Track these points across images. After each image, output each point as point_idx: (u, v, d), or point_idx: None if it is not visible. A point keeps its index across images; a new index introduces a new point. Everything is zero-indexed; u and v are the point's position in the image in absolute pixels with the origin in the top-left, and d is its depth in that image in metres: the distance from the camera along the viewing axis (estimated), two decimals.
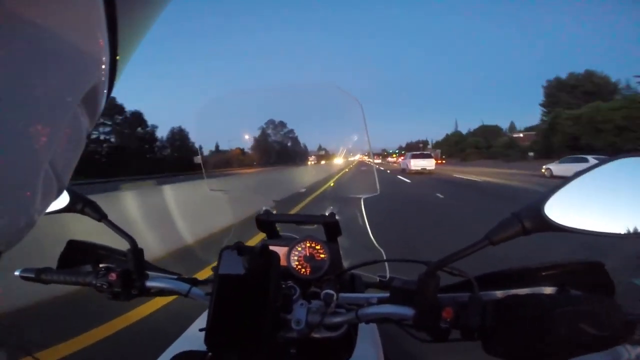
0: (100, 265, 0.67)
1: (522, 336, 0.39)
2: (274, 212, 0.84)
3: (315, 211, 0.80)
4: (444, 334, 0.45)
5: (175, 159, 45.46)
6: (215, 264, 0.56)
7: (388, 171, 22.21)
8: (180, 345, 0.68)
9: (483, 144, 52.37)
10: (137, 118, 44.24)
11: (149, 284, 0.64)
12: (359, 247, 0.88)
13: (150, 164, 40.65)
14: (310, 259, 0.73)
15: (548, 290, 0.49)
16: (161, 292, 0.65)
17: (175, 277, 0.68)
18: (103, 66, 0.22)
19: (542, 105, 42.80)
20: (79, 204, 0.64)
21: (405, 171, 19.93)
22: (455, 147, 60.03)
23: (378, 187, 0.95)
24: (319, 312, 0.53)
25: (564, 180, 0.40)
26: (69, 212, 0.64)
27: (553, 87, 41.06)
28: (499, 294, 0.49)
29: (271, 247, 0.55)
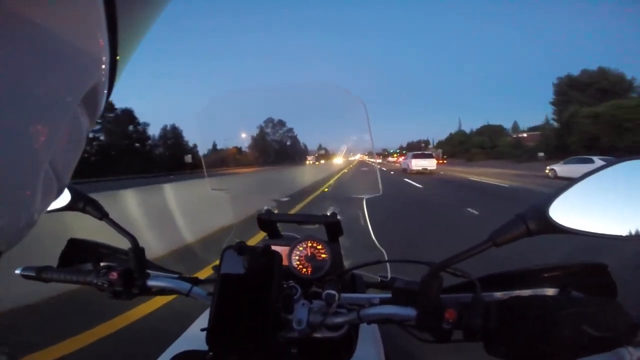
0: (101, 264, 0.67)
1: (524, 337, 0.39)
2: (276, 211, 0.84)
3: (316, 212, 0.80)
4: (446, 334, 0.45)
5: (168, 158, 44.84)
6: (216, 263, 0.56)
7: (392, 172, 20.20)
8: (181, 344, 0.68)
9: (488, 143, 51.37)
10: (128, 116, 43.56)
11: (150, 283, 0.64)
12: (360, 247, 0.88)
13: (140, 163, 40.24)
14: (311, 258, 0.73)
15: (550, 291, 0.49)
16: (162, 292, 0.66)
17: (177, 276, 0.68)
18: (103, 66, 0.22)
19: (552, 103, 40.41)
20: (80, 203, 0.64)
21: (406, 171, 19.86)
22: (459, 146, 58.91)
23: (380, 187, 0.95)
24: (320, 312, 0.53)
25: (570, 182, 0.40)
26: (70, 211, 0.64)
27: (564, 85, 38.18)
28: (502, 295, 0.49)
29: (272, 247, 0.55)
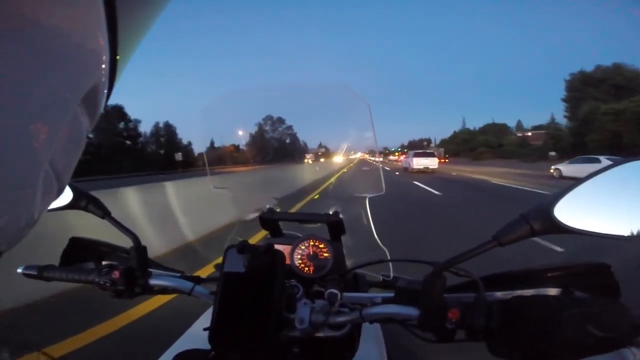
0: (103, 263, 0.67)
1: (527, 337, 0.39)
2: (278, 210, 0.85)
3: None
4: (449, 334, 0.45)
5: (161, 156, 44.00)
6: (218, 261, 0.56)
7: (396, 172, 17.62)
8: (183, 343, 0.68)
9: (494, 142, 50.45)
10: (119, 112, 42.47)
11: (152, 282, 0.64)
12: (362, 246, 0.88)
13: (131, 161, 39.63)
14: (313, 257, 0.73)
15: (553, 291, 0.49)
16: (164, 290, 0.65)
17: (179, 275, 0.68)
18: (103, 65, 0.22)
19: (563, 100, 38.81)
20: (82, 201, 0.64)
21: (407, 170, 19.79)
22: (464, 145, 57.76)
23: (383, 186, 0.94)
24: (322, 311, 0.53)
25: (575, 182, 0.39)
26: (72, 209, 0.64)
27: (577, 81, 36.81)
28: (505, 294, 0.49)
29: (275, 246, 0.55)
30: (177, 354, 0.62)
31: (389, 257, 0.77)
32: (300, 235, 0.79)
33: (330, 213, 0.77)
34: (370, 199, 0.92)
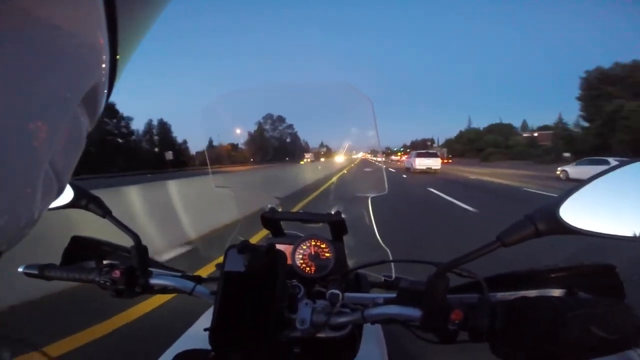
0: (104, 262, 0.67)
1: (531, 338, 0.39)
2: (279, 209, 0.84)
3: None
4: (452, 335, 0.45)
5: (155, 155, 42.98)
6: (219, 260, 0.56)
7: (404, 176, 15.72)
8: (183, 343, 0.68)
9: (502, 142, 49.35)
10: (110, 109, 40.72)
11: (152, 281, 0.64)
12: (363, 246, 0.88)
13: (124, 160, 38.81)
14: (315, 257, 0.73)
15: (557, 292, 0.49)
16: (165, 290, 0.65)
17: (179, 274, 0.68)
18: (103, 65, 0.22)
19: (579, 99, 36.99)
20: (83, 200, 0.64)
21: (409, 170, 19.72)
22: (470, 145, 56.54)
23: (386, 186, 0.94)
24: (324, 311, 0.53)
25: (580, 183, 0.39)
26: (73, 208, 0.64)
27: (594, 79, 35.07)
28: (508, 295, 0.49)
29: (276, 245, 0.55)
30: (177, 354, 0.62)
31: (391, 258, 0.77)
32: (302, 235, 0.79)
33: (332, 213, 0.76)
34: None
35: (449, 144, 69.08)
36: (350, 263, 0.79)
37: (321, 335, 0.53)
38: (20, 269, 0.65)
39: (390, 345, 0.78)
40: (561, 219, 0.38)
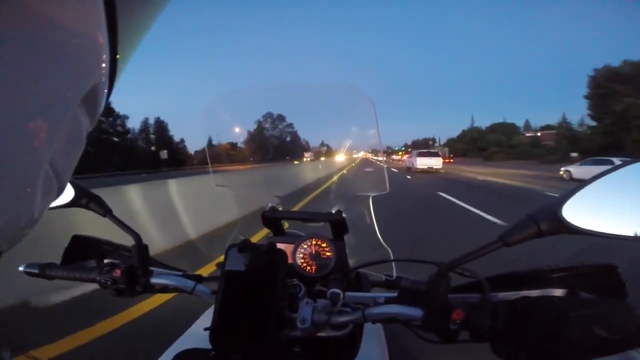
0: (105, 261, 0.67)
1: (533, 338, 0.39)
2: (280, 208, 0.84)
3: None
4: (453, 335, 0.45)
5: (151, 154, 42.14)
6: (220, 259, 0.56)
7: (407, 177, 14.60)
8: (184, 342, 0.68)
9: (505, 141, 48.71)
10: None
11: (153, 280, 0.64)
12: (364, 245, 0.88)
13: (119, 159, 38.27)
14: (316, 256, 0.73)
15: (558, 292, 0.48)
16: (165, 289, 0.66)
17: (180, 273, 0.68)
18: (103, 64, 0.22)
19: (586, 97, 36.09)
20: (83, 199, 0.64)
21: (411, 170, 19.69)
22: (473, 144, 55.82)
23: (387, 185, 0.94)
24: (324, 311, 0.53)
25: (583, 182, 0.39)
26: (74, 207, 0.64)
27: (602, 77, 34.27)
28: (509, 295, 0.49)
29: (277, 245, 0.55)
30: (177, 353, 0.62)
31: (392, 257, 0.77)
32: (303, 234, 0.78)
33: (333, 212, 0.76)
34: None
35: (450, 143, 68.50)
36: (351, 262, 0.79)
37: (322, 334, 0.53)
38: (20, 268, 0.65)
39: (391, 344, 0.78)
40: (564, 218, 0.38)
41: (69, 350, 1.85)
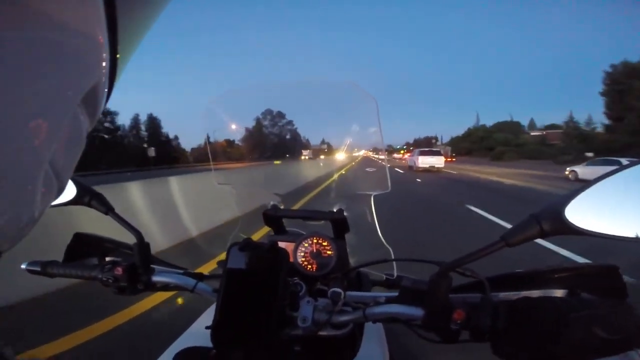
0: (106, 259, 0.67)
1: (534, 338, 0.39)
2: (282, 207, 0.84)
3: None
4: (454, 335, 0.45)
5: (142, 151, 40.80)
6: (221, 257, 0.56)
7: (418, 180, 13.03)
8: (185, 341, 0.68)
9: (512, 140, 47.62)
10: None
11: (155, 278, 0.64)
12: (365, 244, 0.88)
13: (111, 156, 37.12)
14: (316, 255, 0.73)
15: (559, 293, 0.48)
16: (167, 287, 0.66)
17: (182, 272, 0.68)
18: (103, 63, 0.22)
19: (602, 94, 34.12)
20: (85, 197, 0.64)
21: (412, 168, 19.62)
22: (479, 143, 54.47)
23: (389, 184, 0.94)
24: (325, 310, 0.53)
25: (587, 183, 0.39)
26: (76, 205, 0.64)
27: (619, 73, 32.28)
28: (510, 295, 0.49)
29: (278, 243, 0.55)
30: (178, 352, 0.62)
31: (393, 256, 0.76)
32: (304, 233, 0.78)
33: (334, 210, 0.76)
34: None
35: (455, 142, 67.41)
36: (352, 261, 0.79)
37: (322, 333, 0.53)
38: (23, 266, 0.65)
39: (392, 344, 0.78)
40: (566, 219, 0.38)
41: (71, 348, 1.86)
